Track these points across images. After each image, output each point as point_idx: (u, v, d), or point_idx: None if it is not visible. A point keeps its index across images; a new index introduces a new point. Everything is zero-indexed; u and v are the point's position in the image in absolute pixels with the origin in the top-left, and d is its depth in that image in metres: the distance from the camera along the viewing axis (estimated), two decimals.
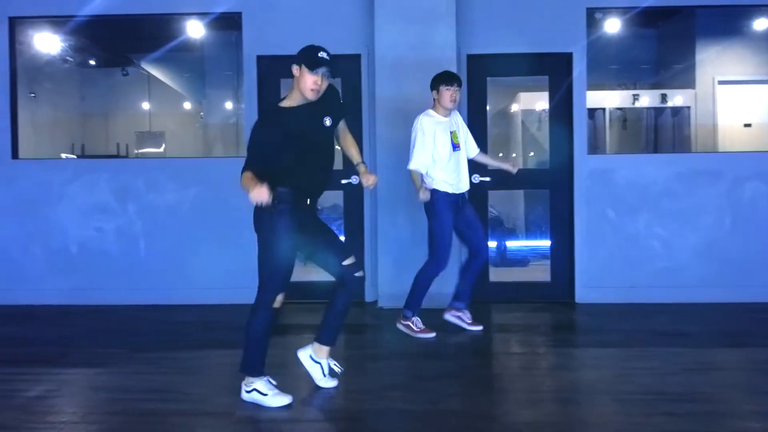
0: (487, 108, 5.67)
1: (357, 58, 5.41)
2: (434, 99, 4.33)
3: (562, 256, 5.47)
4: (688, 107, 7.83)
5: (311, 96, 3.03)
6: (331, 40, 5.28)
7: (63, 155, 8.62)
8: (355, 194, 5.54)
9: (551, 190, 5.52)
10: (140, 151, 10.18)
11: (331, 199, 7.36)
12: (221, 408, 3.06)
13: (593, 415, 2.90)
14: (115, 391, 3.28)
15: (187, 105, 11.11)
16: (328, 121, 3.14)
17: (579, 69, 5.33)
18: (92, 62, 9.25)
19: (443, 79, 4.28)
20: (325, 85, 3.06)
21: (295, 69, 3.04)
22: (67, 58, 8.48)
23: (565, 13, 5.32)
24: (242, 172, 2.95)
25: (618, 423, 2.81)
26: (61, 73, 9.06)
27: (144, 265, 5.44)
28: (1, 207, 5.49)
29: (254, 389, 3.07)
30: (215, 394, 3.21)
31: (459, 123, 4.44)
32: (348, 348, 4.25)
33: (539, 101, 8.01)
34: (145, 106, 10.86)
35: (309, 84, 3.00)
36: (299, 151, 3.04)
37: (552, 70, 5.43)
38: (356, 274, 3.18)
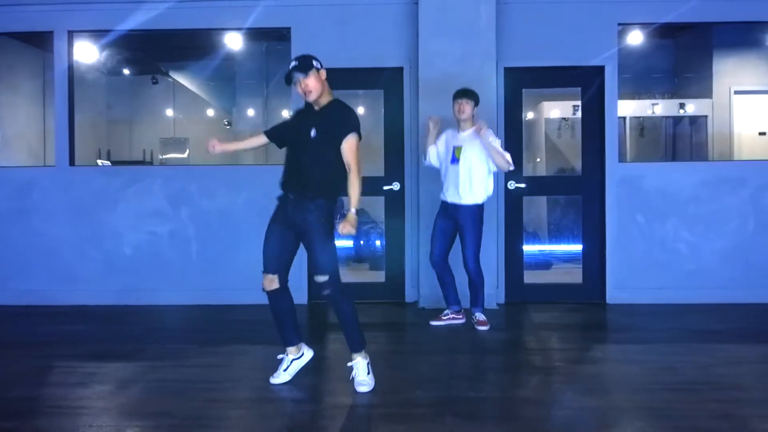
0: (523, 118, 5.94)
1: (400, 71, 5.70)
2: None
3: (594, 259, 5.74)
4: (705, 116, 8.11)
5: (308, 99, 3.37)
6: (375, 54, 5.68)
7: (99, 162, 8.89)
8: (396, 200, 5.80)
9: (583, 196, 5.80)
10: (164, 156, 10.45)
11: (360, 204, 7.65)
12: (308, 392, 3.33)
13: (653, 402, 3.16)
14: (204, 382, 3.52)
15: (211, 112, 11.38)
16: (312, 132, 3.33)
17: (611, 81, 5.62)
18: (126, 71, 9.52)
19: (454, 95, 4.79)
20: (312, 87, 3.29)
21: None
22: (102, 68, 8.75)
23: (597, 28, 5.61)
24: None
25: (678, 410, 3.07)
26: (89, 82, 9.32)
27: (195, 267, 5.71)
28: (59, 212, 5.75)
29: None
30: (298, 380, 3.45)
31: (475, 140, 4.68)
32: (401, 343, 4.52)
33: (561, 110, 8.31)
34: (169, 112, 11.13)
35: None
36: (289, 146, 3.46)
37: (584, 82, 5.72)
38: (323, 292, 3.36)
